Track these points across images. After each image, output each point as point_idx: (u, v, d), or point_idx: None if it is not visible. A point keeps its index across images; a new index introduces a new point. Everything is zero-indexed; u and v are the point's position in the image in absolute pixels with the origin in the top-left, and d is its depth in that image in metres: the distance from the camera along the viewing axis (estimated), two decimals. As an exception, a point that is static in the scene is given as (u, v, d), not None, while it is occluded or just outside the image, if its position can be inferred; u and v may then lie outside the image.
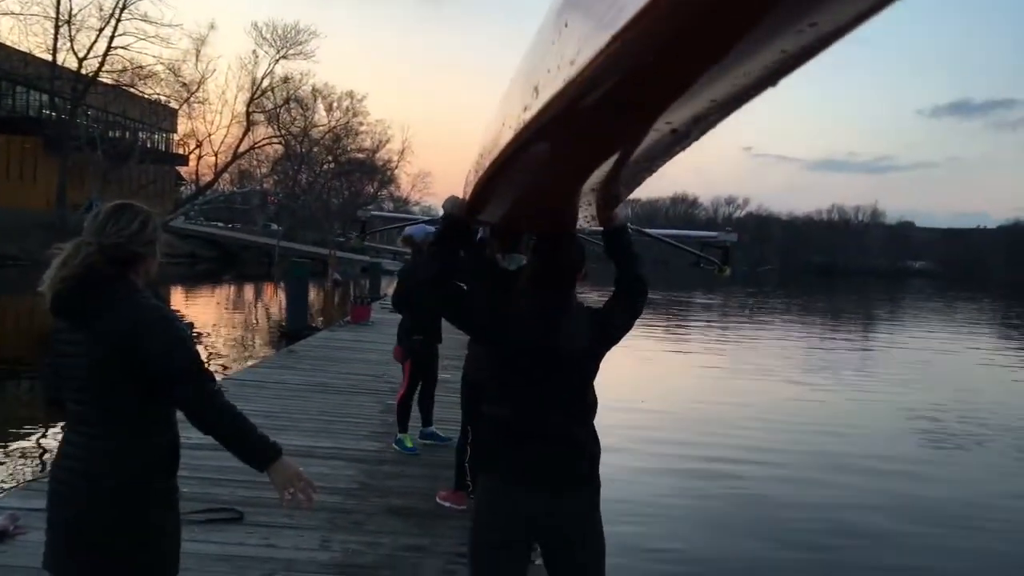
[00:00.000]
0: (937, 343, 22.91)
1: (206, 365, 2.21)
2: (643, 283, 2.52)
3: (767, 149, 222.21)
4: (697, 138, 1.54)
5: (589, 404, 2.38)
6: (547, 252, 2.40)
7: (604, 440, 2.48)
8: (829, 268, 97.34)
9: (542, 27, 1.47)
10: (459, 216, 2.38)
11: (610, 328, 2.41)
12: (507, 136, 1.73)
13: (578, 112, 1.37)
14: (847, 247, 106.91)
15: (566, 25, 1.27)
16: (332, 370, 9.64)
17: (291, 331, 14.06)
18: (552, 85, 1.32)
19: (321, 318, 16.41)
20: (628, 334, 2.53)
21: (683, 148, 1.64)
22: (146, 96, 45.31)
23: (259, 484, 5.03)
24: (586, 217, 2.50)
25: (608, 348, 2.43)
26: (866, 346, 22.52)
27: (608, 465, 2.53)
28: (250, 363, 11.62)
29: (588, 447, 2.36)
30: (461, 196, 2.45)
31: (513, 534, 2.35)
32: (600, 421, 2.50)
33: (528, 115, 1.52)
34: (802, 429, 10.13)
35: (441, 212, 2.80)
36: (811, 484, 7.67)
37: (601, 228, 2.57)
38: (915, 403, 12.40)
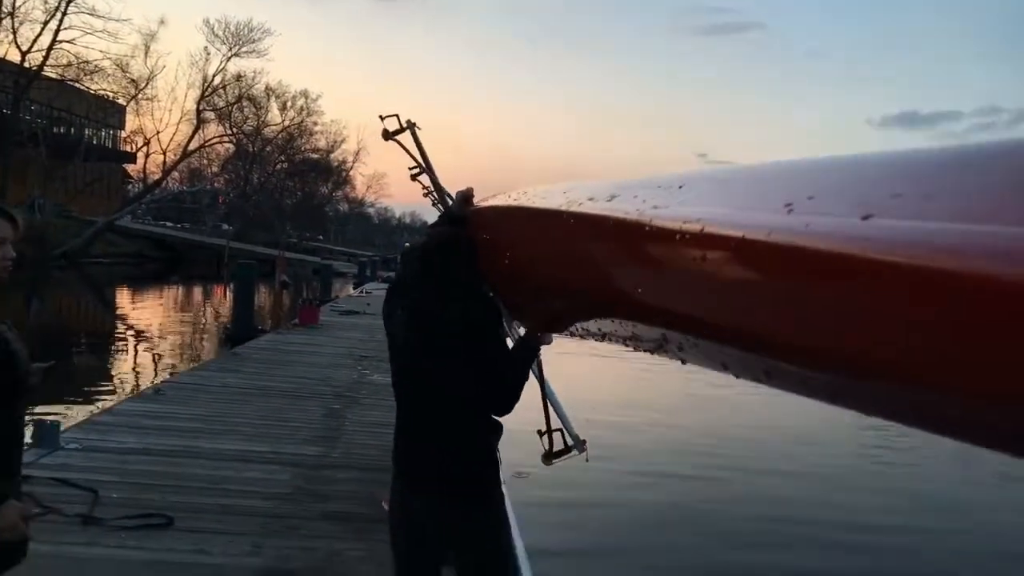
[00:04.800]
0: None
1: None
2: (510, 394, 2.34)
3: (721, 155, 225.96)
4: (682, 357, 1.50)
5: (467, 418, 2.37)
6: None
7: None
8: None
9: (670, 176, 1.48)
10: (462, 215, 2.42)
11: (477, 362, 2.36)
12: (557, 200, 1.77)
13: (614, 250, 1.39)
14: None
15: (680, 187, 1.34)
16: (276, 373, 9.52)
17: (237, 334, 13.84)
18: (625, 209, 1.36)
19: (269, 321, 16.18)
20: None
21: (656, 352, 1.61)
22: (92, 92, 44.17)
23: (191, 489, 4.99)
24: (526, 323, 2.41)
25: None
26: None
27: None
28: (192, 366, 11.42)
29: (470, 459, 2.35)
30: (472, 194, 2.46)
31: (416, 539, 2.39)
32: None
33: (585, 208, 1.56)
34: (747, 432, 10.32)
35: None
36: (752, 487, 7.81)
37: (521, 328, 2.49)
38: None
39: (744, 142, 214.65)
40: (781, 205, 0.97)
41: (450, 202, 2.75)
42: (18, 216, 2.01)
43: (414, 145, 2.80)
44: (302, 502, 4.96)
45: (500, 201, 2.36)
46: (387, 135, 2.72)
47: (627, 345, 1.79)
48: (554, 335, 2.37)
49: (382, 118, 2.69)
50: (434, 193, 2.98)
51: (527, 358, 2.40)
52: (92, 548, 3.96)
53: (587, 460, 2.52)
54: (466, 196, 2.48)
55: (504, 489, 4.81)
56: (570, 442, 2.50)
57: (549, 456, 2.48)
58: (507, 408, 2.38)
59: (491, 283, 2.39)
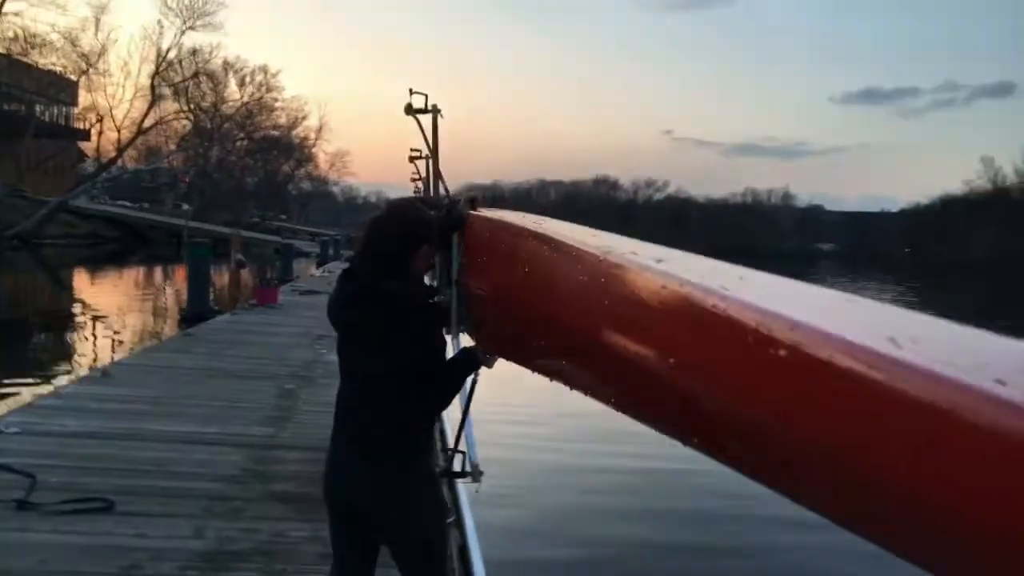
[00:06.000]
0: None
1: None
2: (436, 402, 2.34)
3: (687, 133, 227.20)
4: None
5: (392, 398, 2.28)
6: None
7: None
8: (744, 250, 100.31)
9: (726, 264, 1.50)
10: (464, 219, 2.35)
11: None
12: (589, 241, 1.76)
13: (656, 314, 1.35)
14: (761, 230, 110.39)
15: (741, 278, 1.35)
16: (230, 354, 9.38)
17: (192, 314, 13.62)
18: (682, 278, 1.32)
19: (228, 301, 15.97)
20: None
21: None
22: (41, 66, 42.90)
23: (134, 472, 4.90)
24: (483, 341, 2.40)
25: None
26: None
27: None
28: (144, 347, 11.22)
29: (391, 433, 2.26)
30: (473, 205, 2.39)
31: (341, 510, 2.36)
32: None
33: (627, 260, 1.51)
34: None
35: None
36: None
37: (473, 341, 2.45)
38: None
39: (709, 118, 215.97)
40: (883, 336, 0.91)
41: (443, 195, 2.72)
42: None
43: (431, 129, 2.76)
44: (248, 483, 4.89)
45: (512, 218, 2.26)
46: (410, 110, 2.66)
47: (598, 399, 1.78)
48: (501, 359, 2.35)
49: (411, 92, 2.65)
50: (422, 181, 2.96)
51: (466, 372, 2.38)
52: (25, 534, 3.86)
53: (477, 491, 2.55)
54: (474, 199, 2.43)
55: (451, 481, 4.78)
56: (468, 468, 2.53)
57: (445, 474, 2.54)
58: (432, 412, 2.35)
59: (467, 292, 2.34)
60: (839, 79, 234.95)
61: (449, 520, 4.18)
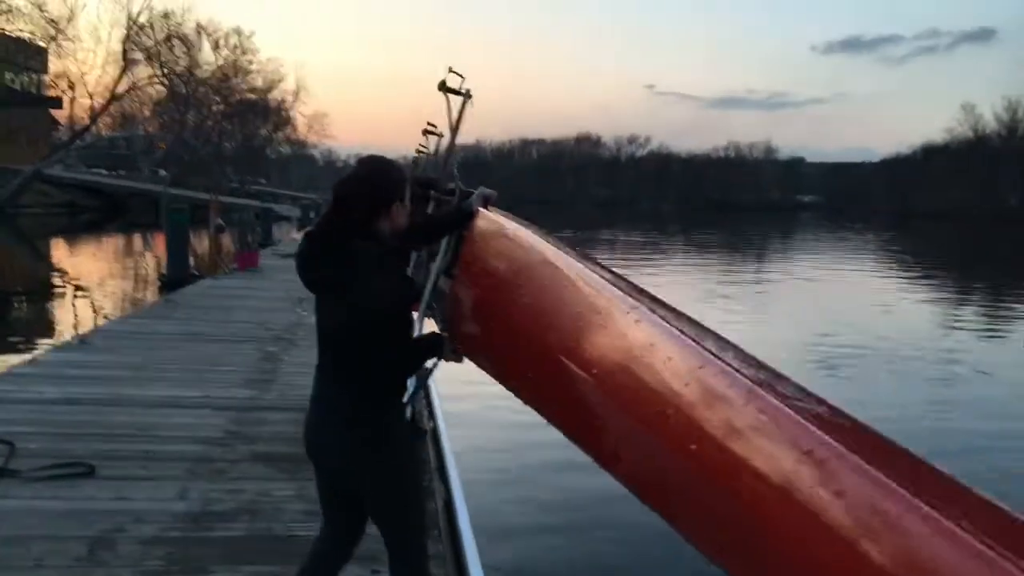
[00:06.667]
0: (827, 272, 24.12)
1: None
2: (391, 374, 2.26)
3: (669, 87, 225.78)
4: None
5: (361, 373, 2.23)
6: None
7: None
8: (726, 204, 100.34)
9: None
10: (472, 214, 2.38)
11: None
12: (560, 257, 1.88)
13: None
14: (743, 183, 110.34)
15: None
16: (211, 319, 9.30)
17: (171, 280, 13.46)
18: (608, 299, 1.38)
19: (209, 266, 15.79)
20: None
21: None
22: (8, 33, 41.76)
23: (115, 437, 4.86)
24: (456, 338, 2.37)
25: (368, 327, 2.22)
26: (760, 277, 23.47)
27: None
28: (123, 314, 11.10)
29: (363, 395, 2.22)
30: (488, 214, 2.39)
31: (324, 470, 2.35)
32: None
33: (620, 302, 1.56)
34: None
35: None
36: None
37: (438, 327, 2.44)
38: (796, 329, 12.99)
39: (690, 71, 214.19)
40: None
41: (453, 183, 2.71)
42: None
43: (457, 110, 2.76)
44: (231, 445, 4.87)
45: (526, 236, 2.22)
46: (443, 86, 2.67)
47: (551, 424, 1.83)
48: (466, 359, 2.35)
49: (450, 70, 2.68)
50: (430, 155, 2.97)
51: (427, 355, 2.35)
52: (6, 501, 3.83)
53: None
54: (488, 197, 2.41)
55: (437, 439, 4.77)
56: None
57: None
58: (396, 378, 2.29)
59: (449, 287, 2.30)
60: (821, 28, 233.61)
61: (427, 477, 4.20)
